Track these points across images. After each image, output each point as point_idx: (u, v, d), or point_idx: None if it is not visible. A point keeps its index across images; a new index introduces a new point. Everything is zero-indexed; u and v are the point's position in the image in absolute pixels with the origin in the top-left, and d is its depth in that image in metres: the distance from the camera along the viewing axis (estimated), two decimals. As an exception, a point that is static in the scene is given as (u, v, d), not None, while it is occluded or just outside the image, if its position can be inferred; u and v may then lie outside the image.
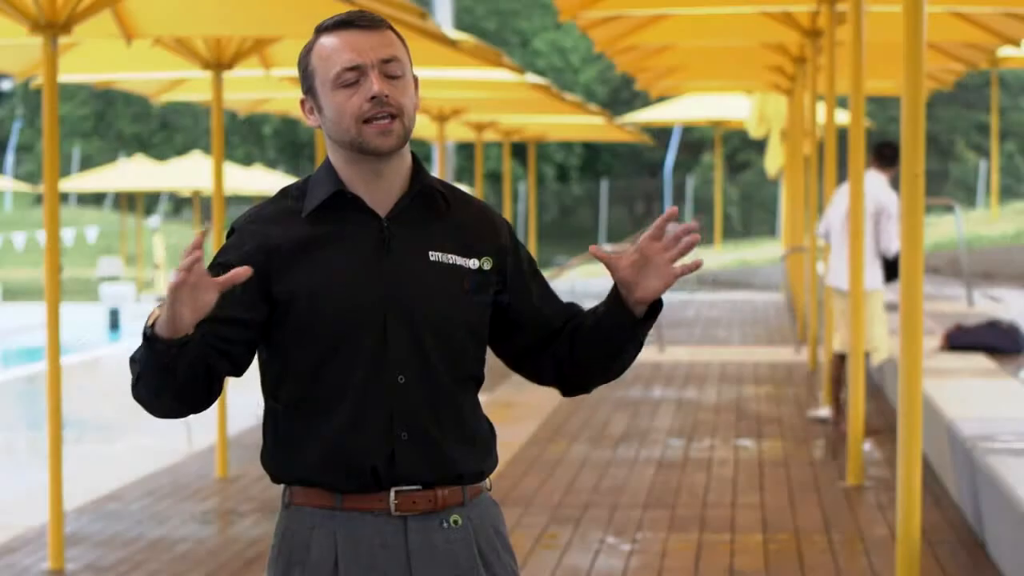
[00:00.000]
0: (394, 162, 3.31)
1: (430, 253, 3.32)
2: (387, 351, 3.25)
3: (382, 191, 3.32)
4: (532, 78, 15.80)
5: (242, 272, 3.11)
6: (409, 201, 3.33)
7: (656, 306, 3.33)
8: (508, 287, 3.39)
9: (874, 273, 11.06)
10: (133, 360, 3.21)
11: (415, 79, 3.34)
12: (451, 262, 3.33)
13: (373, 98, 3.23)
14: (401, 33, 3.36)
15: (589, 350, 3.38)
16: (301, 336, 3.28)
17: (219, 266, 3.25)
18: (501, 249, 3.39)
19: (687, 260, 3.31)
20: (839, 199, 11.23)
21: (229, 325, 3.24)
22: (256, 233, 3.30)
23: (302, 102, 3.35)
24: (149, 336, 3.12)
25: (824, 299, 9.17)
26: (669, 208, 3.22)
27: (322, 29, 3.31)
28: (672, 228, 3.29)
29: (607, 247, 24.53)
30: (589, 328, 3.38)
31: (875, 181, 11.21)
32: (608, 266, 3.29)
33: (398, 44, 3.30)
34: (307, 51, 3.32)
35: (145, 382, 3.20)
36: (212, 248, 10.28)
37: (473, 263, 3.34)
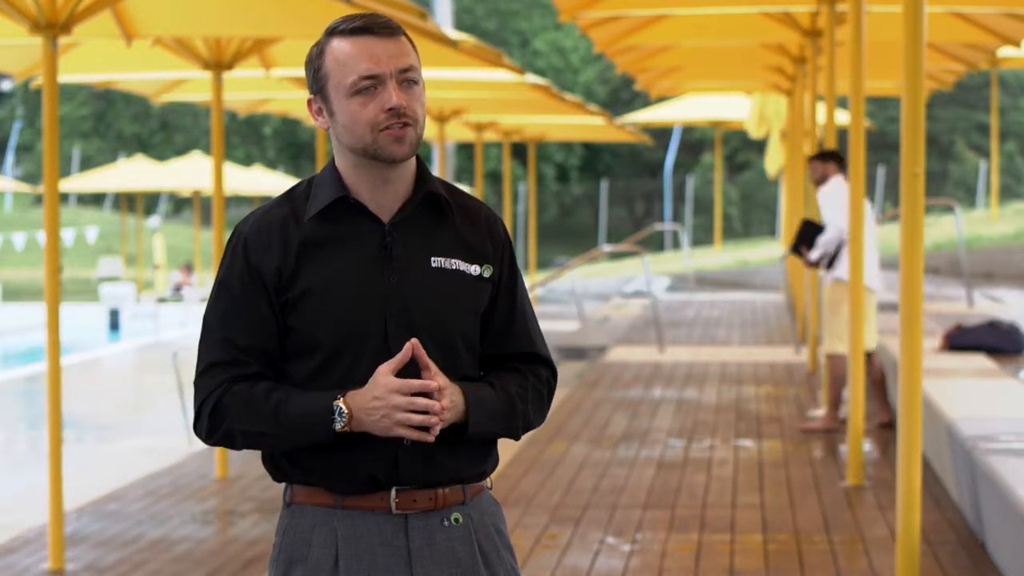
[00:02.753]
0: (400, 168, 3.29)
1: (432, 259, 3.29)
2: (389, 359, 3.22)
3: (387, 196, 3.29)
4: (532, 78, 15.80)
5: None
6: (413, 206, 3.30)
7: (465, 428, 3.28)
8: (492, 297, 3.37)
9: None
10: (229, 413, 3.24)
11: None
12: (454, 267, 3.30)
13: (391, 109, 3.20)
14: (401, 34, 3.33)
15: None
16: (302, 342, 3.26)
17: (240, 283, 3.27)
18: (500, 258, 3.37)
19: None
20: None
21: (274, 357, 3.31)
22: (261, 249, 3.26)
23: (309, 102, 3.31)
24: (336, 433, 3.19)
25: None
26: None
27: (335, 31, 3.25)
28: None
29: (606, 247, 24.55)
30: None
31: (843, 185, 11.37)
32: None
33: (413, 51, 3.26)
34: (319, 52, 3.26)
35: (258, 443, 3.26)
36: (215, 250, 10.29)
37: (475, 269, 3.32)
